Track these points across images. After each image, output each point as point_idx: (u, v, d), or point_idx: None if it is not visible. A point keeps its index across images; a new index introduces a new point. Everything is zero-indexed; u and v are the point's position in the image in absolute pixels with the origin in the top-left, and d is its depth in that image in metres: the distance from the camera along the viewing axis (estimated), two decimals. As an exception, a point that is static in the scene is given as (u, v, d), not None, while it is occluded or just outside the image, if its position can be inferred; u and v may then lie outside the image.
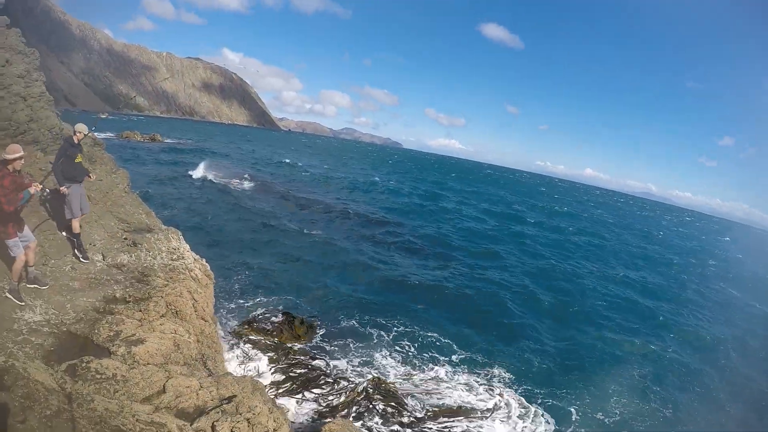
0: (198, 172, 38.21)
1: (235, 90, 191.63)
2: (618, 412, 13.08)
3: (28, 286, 6.23)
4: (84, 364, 5.28)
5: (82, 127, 7.53)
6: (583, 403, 13.18)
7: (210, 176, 37.84)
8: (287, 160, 66.86)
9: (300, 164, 64.67)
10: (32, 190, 5.86)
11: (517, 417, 11.76)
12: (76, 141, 7.47)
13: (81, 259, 7.64)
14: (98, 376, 5.21)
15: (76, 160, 7.44)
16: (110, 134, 58.52)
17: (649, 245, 50.20)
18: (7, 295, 5.85)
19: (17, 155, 5.69)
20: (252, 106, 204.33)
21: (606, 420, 12.64)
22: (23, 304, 5.87)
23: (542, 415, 12.06)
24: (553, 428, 11.73)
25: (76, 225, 7.60)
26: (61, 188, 7.25)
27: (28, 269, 6.22)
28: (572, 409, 12.76)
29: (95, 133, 11.73)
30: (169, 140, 68.40)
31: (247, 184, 37.87)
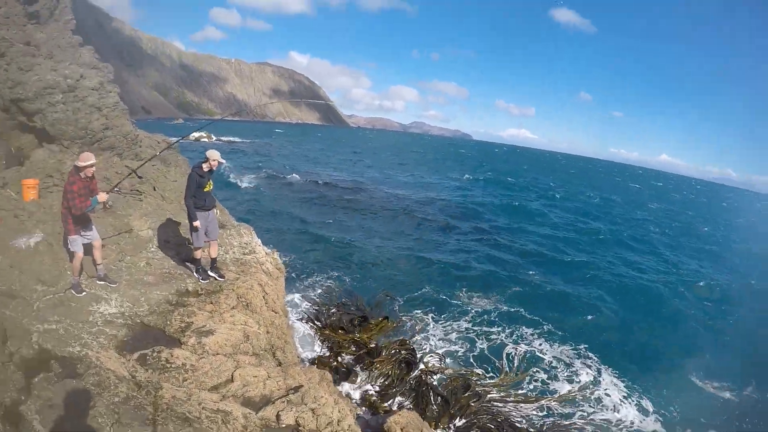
0: (262, 173, 40.01)
1: (304, 92, 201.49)
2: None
3: (98, 282, 6.48)
4: (155, 354, 5.38)
5: (215, 155, 6.78)
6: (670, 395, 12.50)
7: (272, 175, 39.66)
8: (348, 158, 67.75)
9: (362, 162, 64.91)
10: (100, 198, 5.96)
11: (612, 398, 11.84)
12: (206, 169, 6.81)
13: (200, 280, 7.47)
14: (168, 365, 5.27)
15: (206, 189, 6.95)
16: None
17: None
18: (71, 290, 6.10)
19: (89, 163, 5.81)
20: (321, 106, 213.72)
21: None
22: (81, 295, 6.02)
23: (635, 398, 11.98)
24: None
25: (198, 254, 7.44)
26: (194, 223, 6.87)
27: (96, 267, 6.47)
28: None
29: (171, 138, 12.39)
30: (238, 139, 73.10)
31: (302, 181, 38.62)
